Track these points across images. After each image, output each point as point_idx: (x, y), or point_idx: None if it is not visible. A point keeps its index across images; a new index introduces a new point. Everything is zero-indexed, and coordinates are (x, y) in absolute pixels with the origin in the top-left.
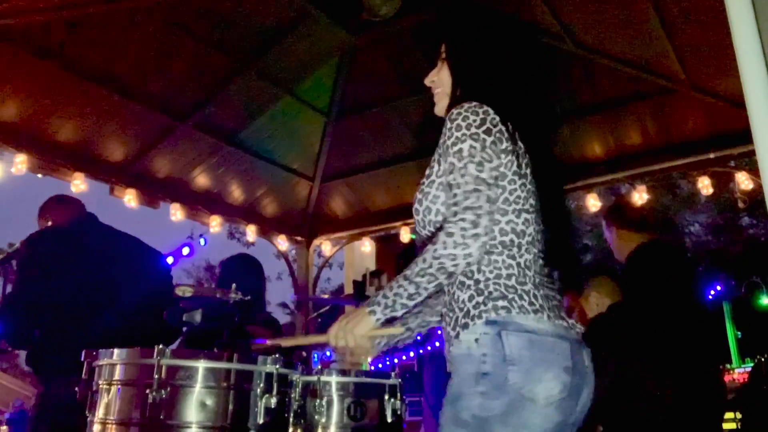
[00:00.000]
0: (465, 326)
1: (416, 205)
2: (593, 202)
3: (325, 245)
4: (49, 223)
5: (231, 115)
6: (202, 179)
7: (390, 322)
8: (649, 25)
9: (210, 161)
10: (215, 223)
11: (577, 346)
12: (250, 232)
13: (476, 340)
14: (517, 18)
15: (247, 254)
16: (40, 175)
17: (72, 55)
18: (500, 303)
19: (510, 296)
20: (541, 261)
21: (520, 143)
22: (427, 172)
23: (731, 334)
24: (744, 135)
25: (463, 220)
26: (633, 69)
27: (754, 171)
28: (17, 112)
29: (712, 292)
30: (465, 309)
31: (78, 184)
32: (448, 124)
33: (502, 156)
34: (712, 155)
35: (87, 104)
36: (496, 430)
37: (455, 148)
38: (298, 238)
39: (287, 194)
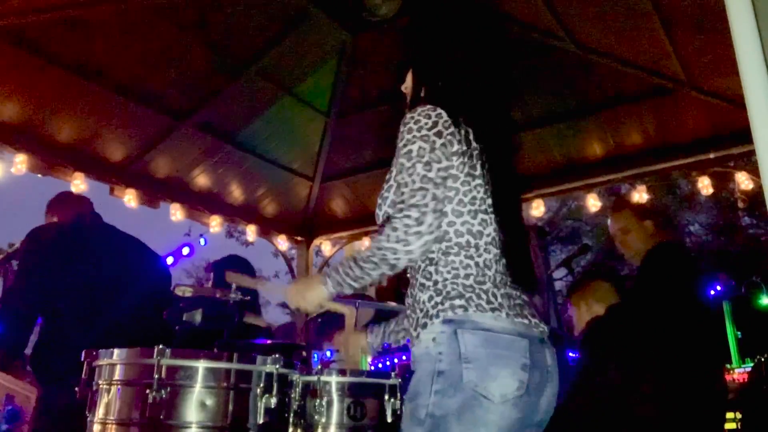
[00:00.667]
0: (424, 326)
1: (376, 210)
2: (593, 202)
3: (325, 245)
4: (55, 219)
5: (231, 115)
6: (202, 179)
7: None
8: (649, 25)
9: (210, 161)
10: (215, 223)
11: (538, 345)
12: (250, 232)
13: (434, 339)
14: (488, 11)
15: (236, 255)
16: (40, 175)
17: (72, 55)
18: (457, 302)
19: (467, 295)
20: (504, 261)
21: (474, 144)
22: (387, 177)
23: (731, 334)
24: (744, 135)
25: (407, 216)
26: (633, 69)
27: (754, 171)
28: (17, 112)
29: (712, 292)
30: (425, 309)
31: (78, 184)
32: (402, 128)
33: (453, 158)
34: (712, 155)
35: (87, 104)
36: (451, 428)
37: (405, 150)
38: (298, 238)
39: (287, 194)
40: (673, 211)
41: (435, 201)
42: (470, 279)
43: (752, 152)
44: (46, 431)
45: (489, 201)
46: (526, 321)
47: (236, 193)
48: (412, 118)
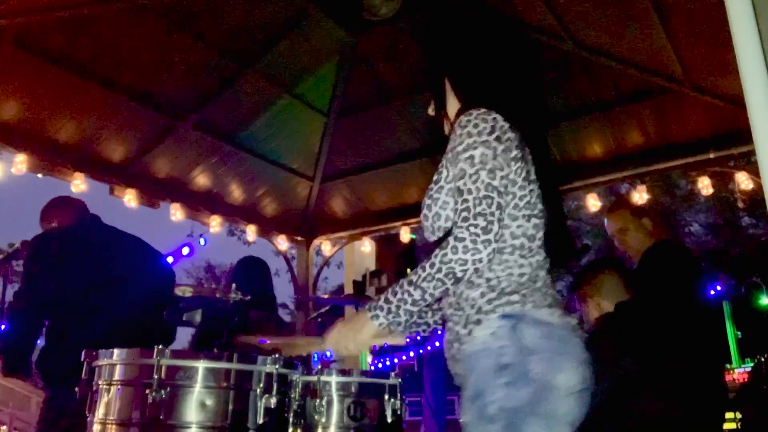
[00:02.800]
0: (478, 322)
1: (425, 211)
2: (593, 202)
3: (325, 245)
4: (54, 225)
5: (231, 115)
6: (202, 179)
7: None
8: (649, 24)
9: (210, 161)
10: (215, 223)
11: (584, 344)
12: (250, 232)
13: (492, 333)
14: (504, 16)
15: (251, 257)
16: (40, 175)
17: (72, 55)
18: (514, 297)
19: (523, 291)
20: (548, 265)
21: (526, 148)
22: (435, 177)
23: (731, 334)
24: (744, 135)
25: (474, 225)
26: (633, 69)
27: (754, 171)
28: (17, 112)
29: (712, 292)
30: (476, 306)
31: (78, 184)
32: (458, 131)
33: (512, 164)
34: (712, 155)
35: (87, 104)
36: (526, 420)
37: (466, 155)
38: (298, 238)
39: (287, 194)
40: (673, 211)
41: (500, 210)
42: (524, 277)
43: (752, 152)
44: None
45: (540, 206)
46: (573, 320)
47: (236, 193)
48: (470, 121)
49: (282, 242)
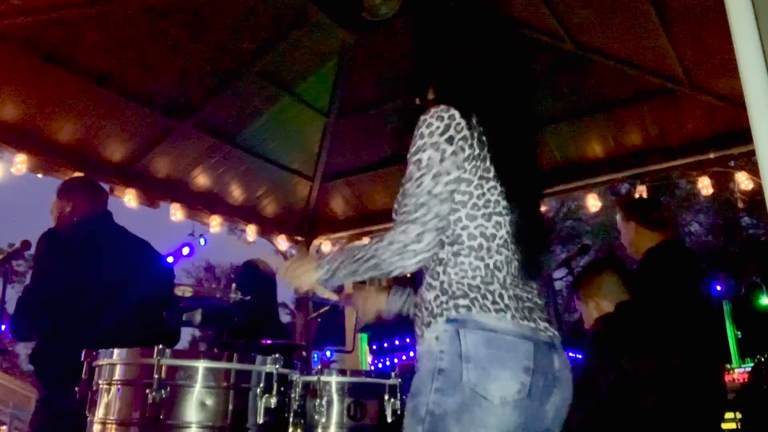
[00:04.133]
0: (428, 324)
1: (393, 215)
2: (593, 202)
3: (325, 245)
4: (68, 209)
5: (231, 115)
6: (202, 179)
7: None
8: (649, 25)
9: (210, 161)
10: (215, 223)
11: (545, 349)
12: (250, 231)
13: (437, 337)
14: (496, 15)
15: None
16: (40, 175)
17: (72, 55)
18: (461, 302)
19: (472, 295)
20: (516, 263)
21: (486, 144)
22: (403, 179)
23: (731, 334)
24: (744, 135)
25: (405, 233)
26: (633, 69)
27: (754, 171)
28: (17, 112)
29: (712, 293)
30: (430, 308)
31: None
32: (415, 131)
33: (465, 164)
34: (712, 155)
35: (87, 104)
36: (450, 428)
37: (415, 157)
38: (298, 238)
39: (287, 194)
40: (673, 211)
41: (437, 218)
42: (477, 279)
43: (752, 152)
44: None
45: (504, 203)
46: (532, 324)
47: (236, 193)
48: (425, 120)
49: (282, 242)
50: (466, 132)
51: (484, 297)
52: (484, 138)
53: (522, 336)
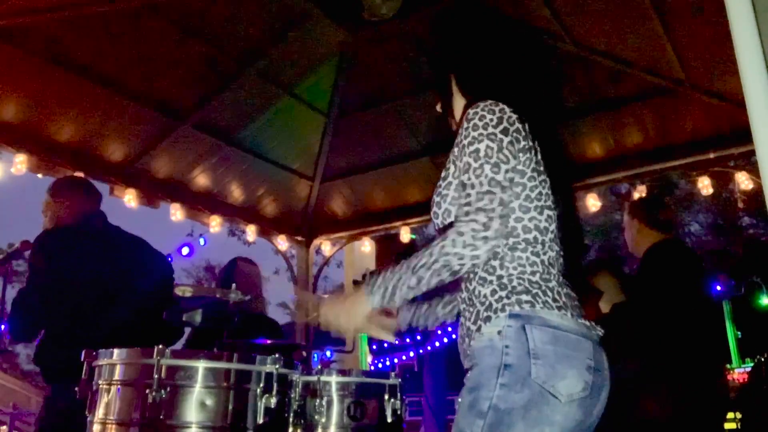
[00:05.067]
0: (487, 319)
1: (434, 208)
2: (593, 202)
3: (325, 245)
4: (62, 210)
5: (231, 115)
6: (202, 179)
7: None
8: (649, 24)
9: (210, 161)
10: (215, 223)
11: (598, 347)
12: (250, 232)
13: (499, 332)
14: (505, 16)
15: (244, 259)
16: (40, 175)
17: (72, 55)
18: (524, 297)
19: (534, 291)
20: (561, 259)
21: (535, 140)
22: (443, 174)
23: (731, 334)
24: (744, 135)
25: (475, 221)
26: (633, 69)
27: (754, 171)
28: (17, 112)
29: (713, 293)
30: (487, 303)
31: None
32: (465, 124)
33: (520, 155)
34: (712, 155)
35: (87, 104)
36: (515, 424)
37: (471, 148)
38: (298, 238)
39: (287, 194)
40: (673, 211)
41: (502, 206)
42: (536, 276)
43: (752, 152)
44: (52, 430)
45: (552, 197)
46: (587, 323)
47: (236, 193)
48: (476, 113)
49: (282, 242)
50: (518, 125)
51: (545, 293)
52: (531, 133)
53: (583, 334)
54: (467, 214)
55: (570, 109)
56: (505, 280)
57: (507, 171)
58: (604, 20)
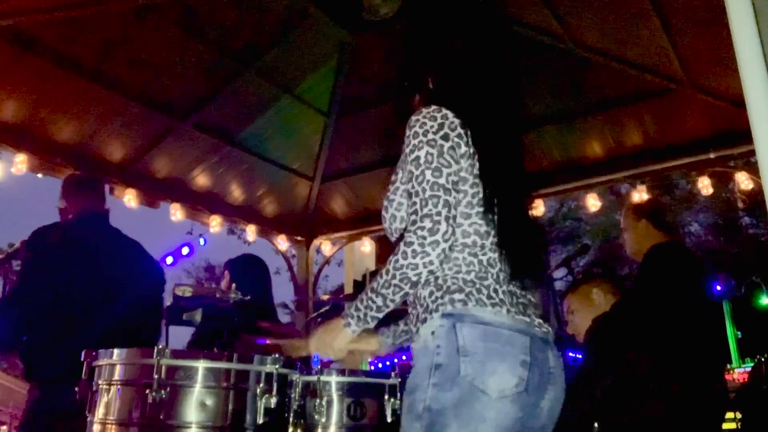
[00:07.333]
0: (424, 321)
1: (383, 213)
2: (593, 202)
3: (325, 245)
4: (65, 207)
5: (231, 115)
6: (202, 179)
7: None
8: (649, 25)
9: (210, 161)
10: (215, 223)
11: (541, 344)
12: (250, 231)
13: (432, 332)
14: (494, 13)
15: (251, 255)
16: (40, 175)
17: (72, 55)
18: (457, 296)
19: (467, 290)
20: (510, 263)
21: (480, 146)
22: (392, 178)
23: (731, 334)
24: (744, 135)
25: (421, 228)
26: (633, 69)
27: (754, 171)
28: (17, 112)
29: (713, 293)
30: (425, 305)
31: None
32: (407, 131)
33: (462, 160)
34: (712, 155)
35: (87, 104)
36: (449, 423)
37: (412, 156)
38: (298, 238)
39: (287, 194)
40: (673, 211)
41: (447, 208)
42: (472, 275)
43: (752, 152)
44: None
45: (499, 202)
46: (527, 319)
47: (236, 193)
48: (417, 120)
49: (282, 242)
50: (460, 130)
51: (479, 291)
52: (475, 138)
53: (518, 330)
54: (414, 223)
55: (570, 109)
56: (440, 281)
57: (449, 174)
58: (604, 20)
